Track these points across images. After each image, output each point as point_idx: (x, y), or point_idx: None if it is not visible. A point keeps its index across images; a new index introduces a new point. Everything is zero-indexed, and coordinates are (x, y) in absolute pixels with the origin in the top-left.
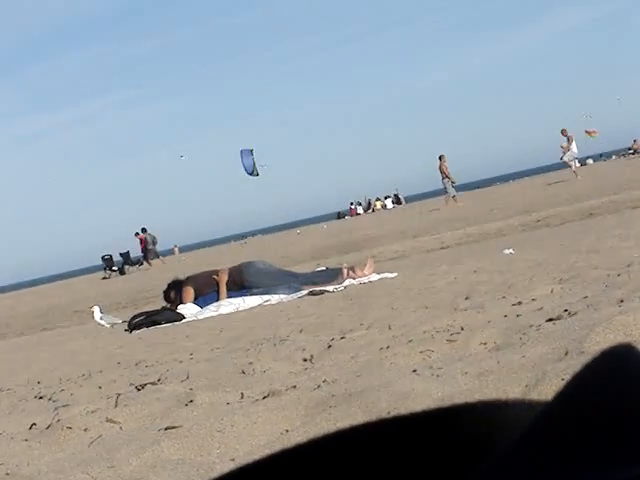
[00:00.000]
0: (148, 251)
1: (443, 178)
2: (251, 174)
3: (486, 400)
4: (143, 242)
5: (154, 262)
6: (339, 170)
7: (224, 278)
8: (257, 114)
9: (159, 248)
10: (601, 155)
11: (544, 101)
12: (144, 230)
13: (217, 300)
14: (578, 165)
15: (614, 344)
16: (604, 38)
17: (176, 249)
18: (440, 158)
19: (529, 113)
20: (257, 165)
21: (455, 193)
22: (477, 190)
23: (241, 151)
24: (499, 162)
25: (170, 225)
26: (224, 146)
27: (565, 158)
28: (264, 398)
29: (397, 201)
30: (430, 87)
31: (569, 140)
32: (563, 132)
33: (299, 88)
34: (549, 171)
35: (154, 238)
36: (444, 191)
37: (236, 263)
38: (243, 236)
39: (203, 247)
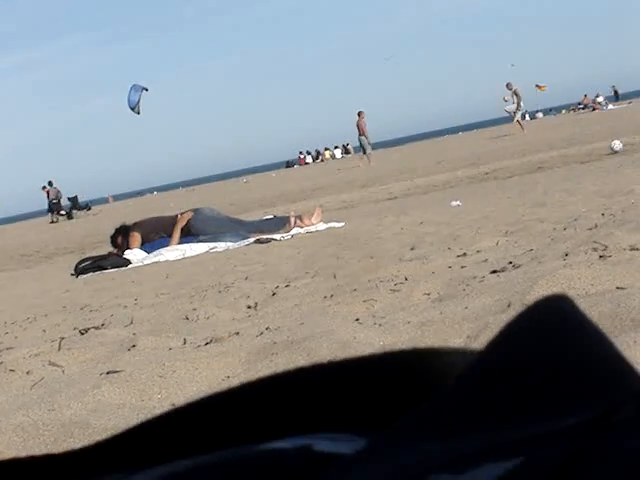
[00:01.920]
0: (53, 204)
1: (360, 135)
2: (132, 109)
3: (424, 348)
4: (48, 195)
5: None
6: (289, 119)
7: (182, 222)
8: (204, 63)
9: (88, 197)
10: (551, 109)
11: (492, 55)
12: (50, 183)
13: (166, 245)
14: (527, 119)
15: (549, 295)
16: None
17: (110, 198)
18: (359, 114)
19: (476, 67)
20: (140, 105)
21: (370, 151)
22: (425, 141)
23: (133, 85)
24: (447, 115)
25: (111, 171)
26: (169, 94)
27: (515, 113)
28: (206, 344)
29: (346, 151)
30: (378, 38)
31: (516, 94)
32: (508, 86)
33: (247, 35)
34: (494, 125)
35: (58, 192)
36: (361, 148)
37: (184, 210)
38: (190, 184)
39: (145, 194)
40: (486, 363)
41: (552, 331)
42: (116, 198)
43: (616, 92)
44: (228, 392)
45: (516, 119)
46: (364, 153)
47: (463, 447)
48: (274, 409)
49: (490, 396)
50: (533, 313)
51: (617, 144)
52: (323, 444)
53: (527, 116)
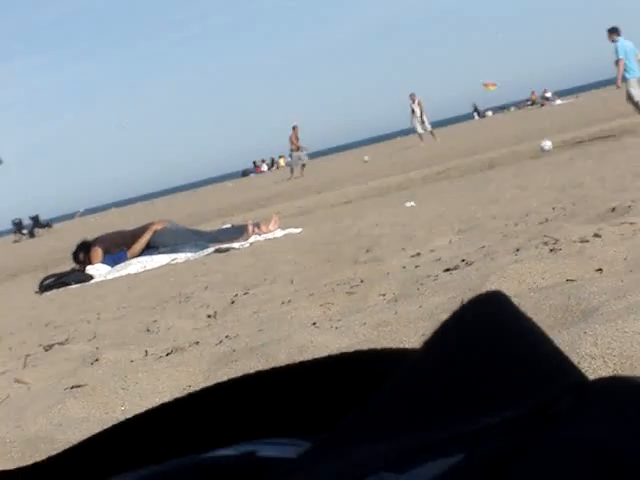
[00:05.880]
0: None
1: (293, 150)
2: None
3: (368, 350)
4: None
5: None
6: (245, 128)
7: (159, 226)
8: (155, 77)
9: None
10: (501, 107)
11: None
12: None
13: (126, 257)
14: (477, 117)
15: (485, 292)
16: None
17: (78, 214)
18: (293, 128)
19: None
20: None
21: (306, 161)
22: (378, 144)
23: None
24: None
25: (69, 189)
26: (122, 110)
27: (420, 128)
28: (167, 355)
29: None
30: (316, 49)
31: (419, 105)
32: (412, 97)
33: (192, 49)
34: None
35: None
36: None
37: (143, 223)
38: (149, 197)
39: (107, 209)
40: (423, 362)
41: (487, 328)
42: (85, 213)
43: (476, 109)
44: (177, 402)
45: (420, 130)
46: (300, 165)
47: (404, 446)
48: (223, 416)
49: (428, 394)
50: (468, 311)
51: (547, 144)
52: (267, 449)
53: (476, 115)
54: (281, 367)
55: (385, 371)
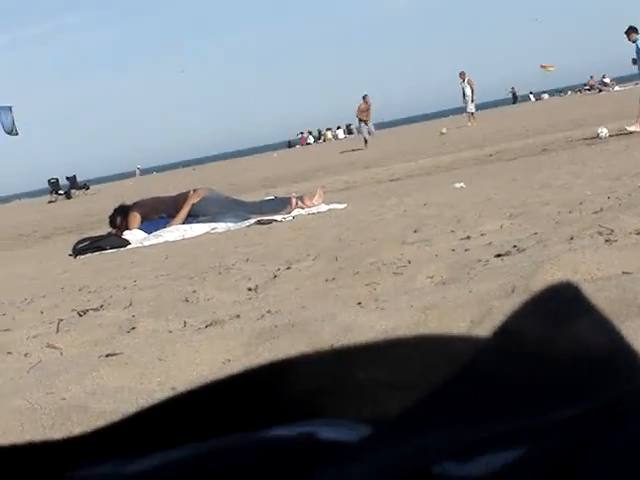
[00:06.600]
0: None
1: (362, 120)
2: (10, 133)
3: (426, 335)
4: None
5: None
6: (292, 99)
7: (195, 199)
8: (205, 42)
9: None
10: (559, 91)
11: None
12: None
13: (166, 224)
14: (532, 99)
15: (556, 282)
16: None
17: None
18: (364, 98)
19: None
20: (15, 125)
21: (368, 136)
22: (426, 122)
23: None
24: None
25: (112, 151)
26: (171, 74)
27: (471, 109)
28: (207, 327)
29: (349, 132)
30: (377, 22)
31: (470, 84)
32: (461, 75)
33: (246, 13)
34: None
35: None
36: (366, 132)
37: (184, 190)
38: (191, 163)
39: (149, 173)
40: (492, 351)
41: (559, 320)
42: (121, 177)
43: (514, 94)
44: (229, 378)
45: (468, 110)
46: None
47: (467, 436)
48: (275, 396)
49: (493, 385)
50: (539, 301)
51: (603, 131)
52: (326, 431)
53: (532, 97)
54: (337, 348)
55: (444, 358)
